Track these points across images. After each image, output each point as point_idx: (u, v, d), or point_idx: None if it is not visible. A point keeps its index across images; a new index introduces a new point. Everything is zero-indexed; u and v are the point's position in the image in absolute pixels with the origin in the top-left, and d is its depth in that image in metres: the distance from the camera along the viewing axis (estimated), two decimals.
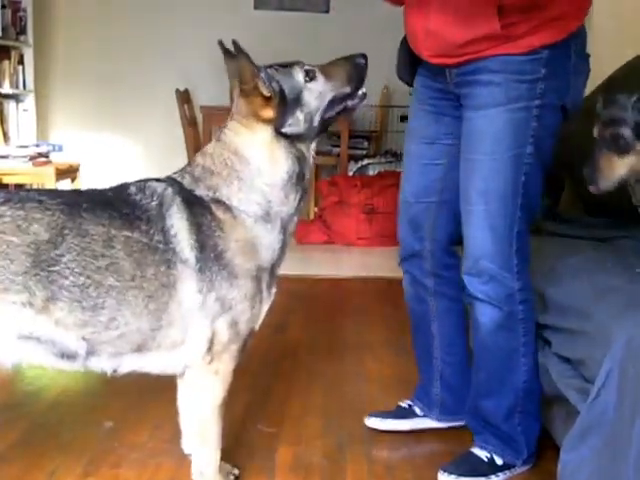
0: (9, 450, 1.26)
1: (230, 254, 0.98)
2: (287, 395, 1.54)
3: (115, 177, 4.48)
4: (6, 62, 3.40)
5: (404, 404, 1.39)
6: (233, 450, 1.26)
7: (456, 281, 1.24)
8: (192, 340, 0.98)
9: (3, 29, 3.33)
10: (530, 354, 1.17)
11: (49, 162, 2.91)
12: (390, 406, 1.43)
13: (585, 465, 0.94)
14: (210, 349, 0.99)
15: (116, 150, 4.04)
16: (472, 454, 1.21)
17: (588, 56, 1.13)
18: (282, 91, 0.99)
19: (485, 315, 1.15)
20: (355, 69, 1.06)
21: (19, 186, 3.35)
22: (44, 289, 0.88)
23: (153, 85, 3.90)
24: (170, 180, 1.02)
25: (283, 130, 1.00)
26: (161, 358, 0.99)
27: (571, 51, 1.07)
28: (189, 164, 1.05)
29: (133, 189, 0.99)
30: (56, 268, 0.89)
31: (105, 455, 1.25)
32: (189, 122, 3.70)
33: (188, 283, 0.95)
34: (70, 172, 3.02)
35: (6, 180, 2.88)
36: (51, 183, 2.81)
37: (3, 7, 3.35)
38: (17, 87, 3.51)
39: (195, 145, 3.70)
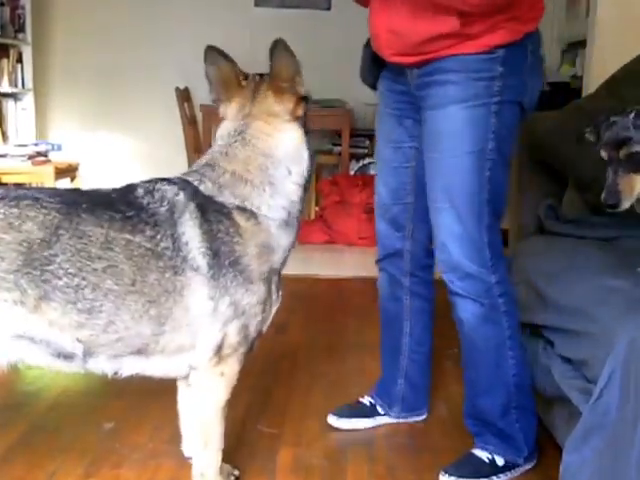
0: (10, 451, 1.26)
1: (247, 259, 0.97)
2: (288, 396, 1.54)
3: (114, 176, 4.48)
4: (5, 60, 3.39)
5: (365, 401, 1.41)
6: (234, 451, 1.26)
7: (430, 282, 1.32)
8: (201, 344, 0.97)
9: (2, 27, 3.32)
10: (516, 347, 1.18)
11: (48, 161, 2.91)
12: None
13: (587, 466, 0.93)
14: (218, 352, 0.98)
15: (115, 149, 4.03)
16: (473, 455, 1.21)
17: (543, 57, 1.15)
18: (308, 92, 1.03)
19: (467, 311, 1.17)
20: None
21: (18, 185, 3.35)
22: (36, 288, 0.87)
23: (153, 83, 3.89)
24: (182, 183, 0.98)
25: (306, 129, 1.03)
26: (165, 361, 0.98)
27: (527, 51, 1.09)
28: (211, 167, 1.00)
29: (140, 191, 0.96)
30: (49, 268, 0.87)
31: (106, 456, 1.25)
32: (189, 121, 3.69)
33: (198, 290, 0.94)
34: (69, 171, 3.01)
35: (5, 179, 2.87)
36: (50, 182, 2.80)
37: (2, 5, 3.34)
38: (16, 86, 3.50)
39: (195, 144, 3.69)
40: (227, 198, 0.98)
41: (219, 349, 0.98)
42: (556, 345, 1.17)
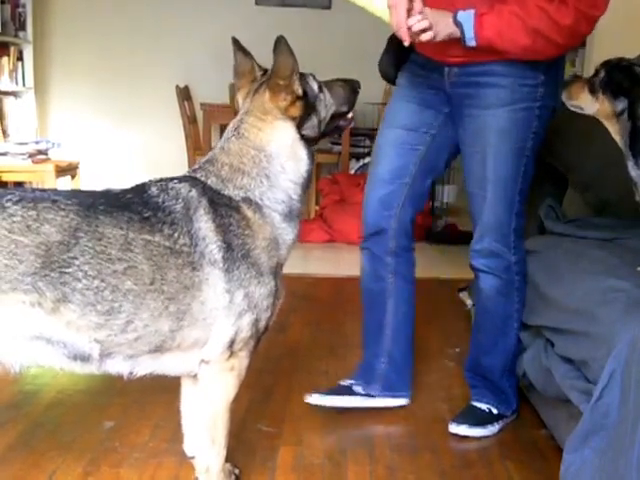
0: (9, 449, 1.26)
1: (258, 252, 0.98)
2: (288, 395, 1.54)
3: (114, 174, 4.46)
4: (5, 58, 3.39)
5: (345, 383, 1.43)
6: (234, 450, 1.26)
7: (412, 262, 1.40)
8: (215, 338, 0.97)
9: (2, 25, 3.31)
10: (519, 320, 1.35)
11: (48, 159, 2.90)
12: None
13: (588, 466, 0.93)
14: (230, 346, 0.99)
15: (116, 147, 4.03)
16: (474, 407, 1.37)
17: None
18: (306, 93, 1.02)
19: (487, 283, 1.32)
20: (352, 93, 1.13)
21: (18, 184, 3.34)
22: (55, 290, 0.87)
23: (153, 82, 3.89)
24: (192, 180, 0.99)
25: (302, 132, 1.03)
26: (179, 358, 0.98)
27: (562, 62, 1.26)
28: (211, 163, 1.02)
29: (154, 190, 0.97)
30: (69, 270, 0.87)
31: (106, 455, 1.24)
32: (189, 119, 3.68)
33: (215, 284, 0.94)
34: (69, 169, 3.01)
35: (5, 178, 2.86)
36: (51, 180, 2.79)
37: (2, 3, 3.34)
38: (16, 84, 3.50)
39: (195, 142, 3.69)
40: (232, 191, 0.99)
41: (232, 343, 0.99)
42: (557, 345, 1.17)
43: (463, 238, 3.23)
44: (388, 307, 1.39)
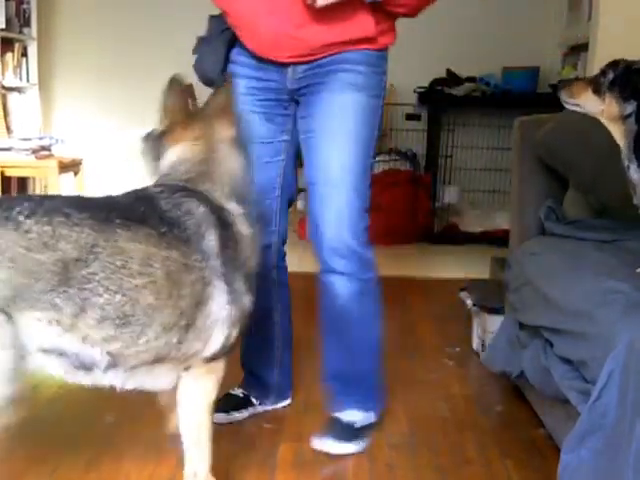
0: (11, 445, 1.26)
1: (249, 263, 1.02)
2: (290, 392, 1.54)
3: (117, 171, 4.46)
4: (10, 55, 3.39)
5: (239, 393, 1.40)
6: (234, 447, 1.27)
7: (286, 268, 1.39)
8: (209, 348, 0.99)
9: (7, 21, 3.32)
10: (379, 316, 1.30)
11: (51, 156, 2.91)
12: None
13: (585, 466, 0.94)
14: (215, 353, 1.00)
15: (119, 144, 4.04)
16: (341, 419, 1.29)
17: None
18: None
19: (345, 286, 1.24)
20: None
21: (21, 179, 3.35)
22: (74, 306, 0.86)
23: (157, 79, 3.87)
24: (198, 194, 1.00)
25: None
26: (173, 368, 0.99)
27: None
28: (209, 174, 1.04)
29: (166, 204, 0.96)
30: (88, 286, 0.86)
31: (107, 450, 1.25)
32: None
33: (220, 297, 0.96)
34: (73, 166, 3.02)
35: (8, 173, 2.87)
36: (54, 176, 2.80)
37: (7, 0, 3.34)
38: (21, 80, 3.51)
39: None
40: (232, 205, 1.02)
41: (219, 351, 1.00)
42: (556, 346, 1.17)
43: (464, 238, 3.27)
44: (275, 319, 1.37)
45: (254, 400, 1.39)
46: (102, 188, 4.54)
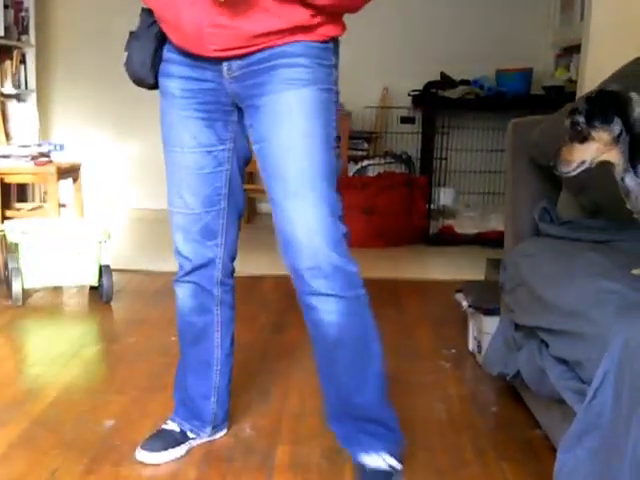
0: (11, 448, 1.27)
1: None
2: (285, 394, 1.55)
3: (116, 177, 4.47)
4: (8, 62, 3.41)
5: (173, 427, 1.27)
6: (232, 448, 1.27)
7: (234, 288, 1.24)
8: None
9: (5, 29, 3.34)
10: (378, 338, 1.12)
11: (51, 162, 2.92)
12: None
13: (581, 466, 0.95)
14: None
15: (117, 150, 4.05)
16: (368, 466, 1.12)
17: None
18: None
19: (332, 309, 1.07)
20: None
21: (21, 185, 3.36)
22: None
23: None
24: None
25: None
26: None
27: (339, 47, 1.09)
28: None
29: None
30: None
31: (107, 453, 1.26)
32: None
33: None
34: (72, 171, 3.03)
35: (8, 179, 2.88)
36: (53, 183, 2.81)
37: (5, 7, 3.36)
38: (19, 87, 3.52)
39: None
40: None
41: None
42: (551, 346, 1.18)
43: (459, 240, 3.29)
44: (215, 341, 1.23)
45: (189, 433, 1.27)
46: (101, 194, 4.57)
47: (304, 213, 1.04)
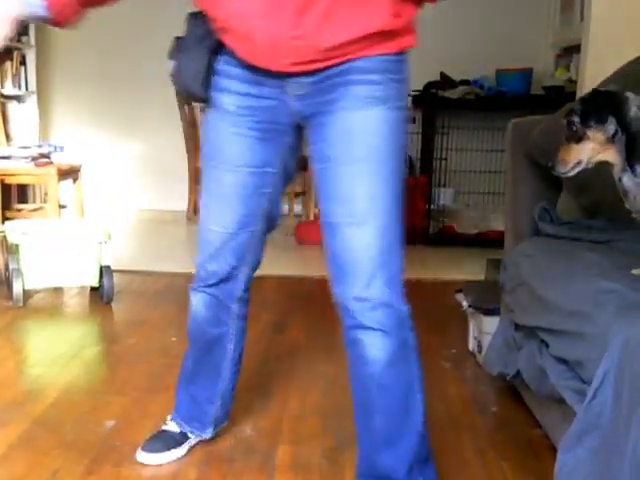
0: (11, 448, 1.27)
1: None
2: (286, 394, 1.55)
3: (116, 178, 4.47)
4: (8, 63, 3.42)
5: (173, 428, 1.27)
6: (233, 449, 1.27)
7: (249, 300, 1.20)
8: None
9: None
10: (422, 389, 1.04)
11: (51, 163, 2.93)
12: None
13: (582, 465, 0.95)
14: None
15: (117, 150, 4.05)
16: None
17: None
18: None
19: (378, 347, 1.00)
20: None
21: (21, 186, 3.37)
22: None
23: (154, 86, 3.91)
24: None
25: None
26: None
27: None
28: None
29: None
30: None
31: (107, 453, 1.26)
32: (189, 123, 3.71)
33: None
34: (72, 173, 3.04)
35: (8, 180, 2.89)
36: (53, 184, 2.82)
37: None
38: (19, 88, 3.53)
39: (195, 145, 3.71)
40: None
41: None
42: (551, 346, 1.18)
43: (459, 240, 3.28)
44: (227, 353, 1.21)
45: (190, 434, 1.26)
46: (101, 195, 4.58)
47: (367, 243, 0.97)
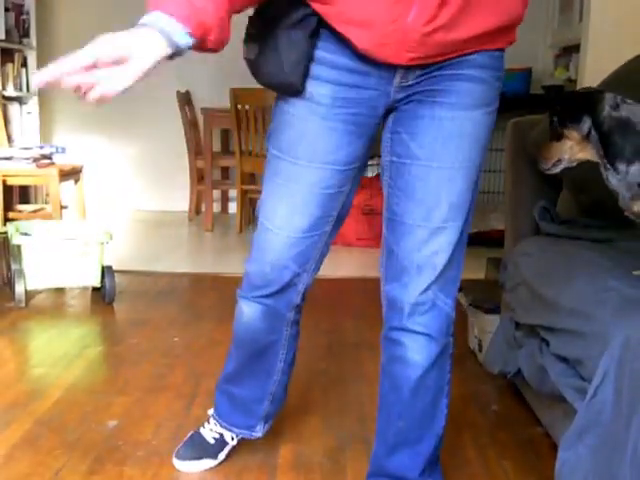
0: (14, 448, 1.28)
1: None
2: (288, 393, 1.56)
3: (117, 178, 4.49)
4: (10, 65, 3.43)
5: (210, 438, 1.21)
6: (234, 448, 1.28)
7: (302, 307, 1.12)
8: None
9: (7, 32, 3.36)
10: (449, 393, 1.02)
11: (52, 164, 2.94)
12: None
13: (582, 463, 0.95)
14: None
15: (118, 151, 4.06)
16: None
17: None
18: None
19: (420, 351, 0.97)
20: None
21: (23, 187, 3.38)
22: None
23: (154, 87, 3.91)
24: None
25: None
26: None
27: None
28: None
29: None
30: None
31: (110, 453, 1.26)
32: (190, 124, 3.72)
33: None
34: (73, 173, 3.05)
35: (10, 182, 2.90)
36: (55, 184, 2.83)
37: (7, 10, 3.38)
38: (20, 90, 3.54)
39: (196, 146, 3.72)
40: None
41: None
42: (552, 344, 1.18)
43: None
44: (279, 356, 1.14)
45: (228, 438, 1.20)
46: (102, 195, 4.60)
47: (438, 249, 0.93)
